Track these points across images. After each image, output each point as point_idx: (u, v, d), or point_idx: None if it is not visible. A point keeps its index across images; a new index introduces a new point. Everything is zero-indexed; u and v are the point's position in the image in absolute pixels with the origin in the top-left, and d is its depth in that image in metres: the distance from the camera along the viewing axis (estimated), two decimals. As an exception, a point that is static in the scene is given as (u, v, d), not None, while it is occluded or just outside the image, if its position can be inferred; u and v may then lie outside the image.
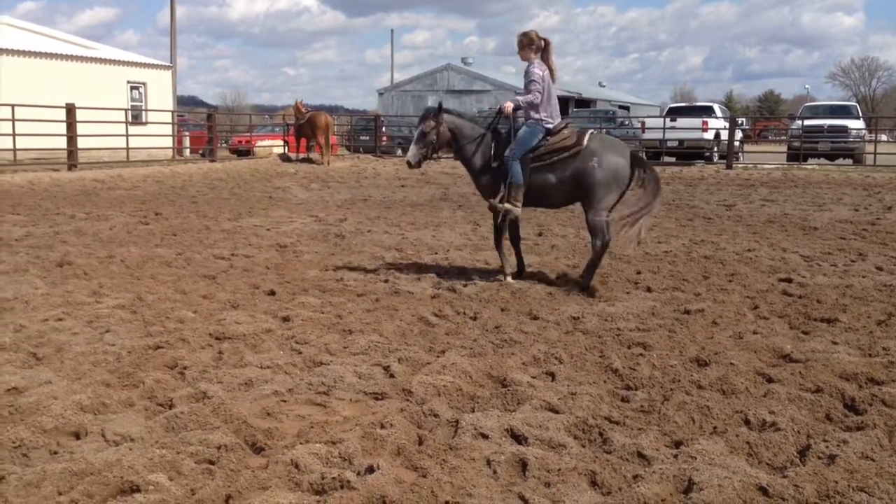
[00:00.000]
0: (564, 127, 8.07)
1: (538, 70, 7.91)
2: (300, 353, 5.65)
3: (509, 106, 8.03)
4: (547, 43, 8.06)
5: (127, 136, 26.25)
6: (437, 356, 5.55)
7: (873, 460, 3.82)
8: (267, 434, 4.17)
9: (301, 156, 27.81)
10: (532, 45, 8.01)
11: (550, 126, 7.98)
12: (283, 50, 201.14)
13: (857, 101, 63.74)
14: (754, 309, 7.00)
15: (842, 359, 5.38)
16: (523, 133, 7.98)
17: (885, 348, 5.69)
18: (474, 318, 6.69)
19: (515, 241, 8.44)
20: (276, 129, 37.32)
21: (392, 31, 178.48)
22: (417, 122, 8.38)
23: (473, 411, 4.52)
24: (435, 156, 8.54)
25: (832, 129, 28.17)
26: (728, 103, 78.99)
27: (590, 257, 7.98)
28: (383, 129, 33.98)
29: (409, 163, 8.25)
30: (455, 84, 61.53)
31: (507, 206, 7.99)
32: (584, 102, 65.95)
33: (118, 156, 26.13)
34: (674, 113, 30.71)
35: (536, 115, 7.97)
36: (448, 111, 8.31)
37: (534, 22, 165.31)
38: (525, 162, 7.92)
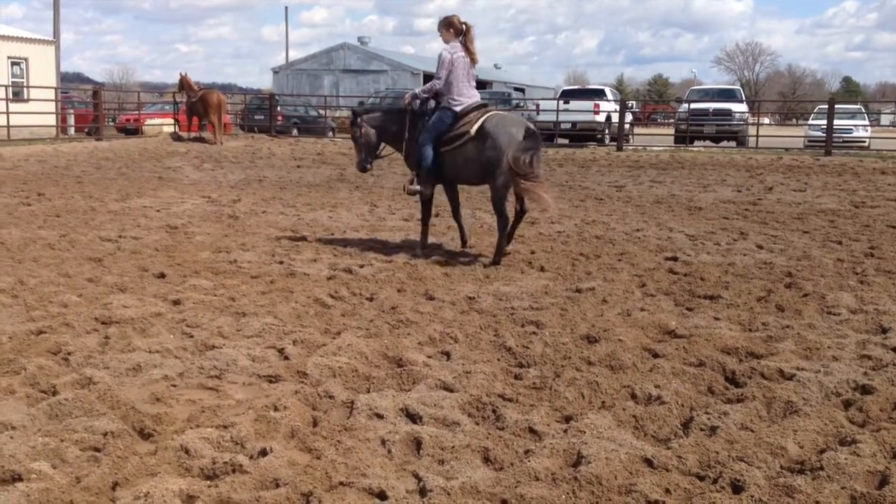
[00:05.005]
0: (473, 110, 8.30)
1: (446, 55, 8.26)
2: (191, 336, 5.53)
3: (407, 98, 8.64)
4: (468, 28, 8.39)
5: (7, 113, 25.29)
6: (333, 338, 5.52)
7: (752, 431, 4.00)
8: (156, 420, 4.08)
9: (193, 135, 27.09)
10: (451, 29, 8.36)
11: (458, 109, 8.27)
12: (176, 26, 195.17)
13: (742, 85, 66.07)
14: (642, 287, 7.22)
15: (723, 334, 5.61)
16: (433, 118, 8.36)
17: (764, 323, 5.96)
18: (371, 300, 6.68)
19: (456, 215, 8.97)
20: (167, 107, 36.18)
21: (286, 7, 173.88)
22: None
23: (369, 392, 4.53)
24: (380, 153, 9.12)
25: (717, 112, 29.18)
26: (619, 87, 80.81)
27: (497, 237, 8.25)
28: (278, 108, 33.38)
29: (359, 170, 9.00)
30: (352, 63, 61.03)
31: (413, 188, 8.57)
32: (480, 84, 66.39)
33: (-2, 134, 25.01)
34: (567, 96, 31.24)
35: (444, 99, 8.32)
36: (366, 111, 8.93)
37: (433, 3, 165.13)
38: (437, 146, 8.29)
